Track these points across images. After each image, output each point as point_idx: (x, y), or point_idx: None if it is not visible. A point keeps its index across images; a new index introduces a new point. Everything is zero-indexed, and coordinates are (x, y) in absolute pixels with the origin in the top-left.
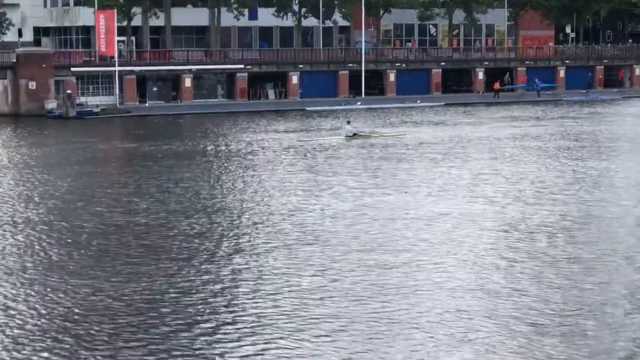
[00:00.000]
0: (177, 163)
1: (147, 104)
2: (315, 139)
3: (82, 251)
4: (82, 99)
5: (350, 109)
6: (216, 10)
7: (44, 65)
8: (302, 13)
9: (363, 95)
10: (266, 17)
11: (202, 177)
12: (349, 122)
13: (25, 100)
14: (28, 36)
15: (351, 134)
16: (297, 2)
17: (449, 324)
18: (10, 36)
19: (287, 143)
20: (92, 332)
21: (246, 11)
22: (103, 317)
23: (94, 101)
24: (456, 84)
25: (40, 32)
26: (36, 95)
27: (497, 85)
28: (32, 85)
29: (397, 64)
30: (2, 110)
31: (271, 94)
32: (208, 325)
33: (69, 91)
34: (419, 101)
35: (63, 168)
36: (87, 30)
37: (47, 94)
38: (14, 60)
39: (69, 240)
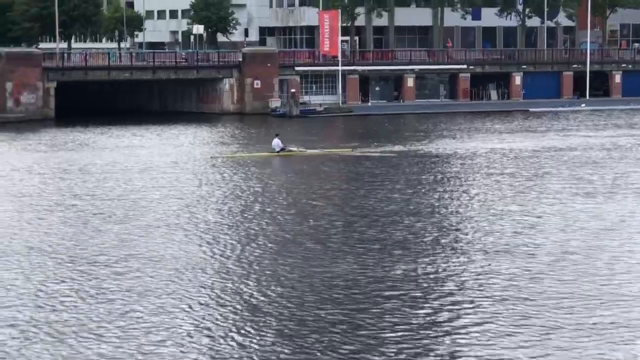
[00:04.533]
0: (396, 163)
1: (369, 104)
2: (240, 154)
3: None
4: (306, 98)
5: (574, 110)
6: (439, 9)
7: (268, 65)
8: (526, 13)
9: (587, 97)
10: (489, 17)
11: (417, 179)
12: (277, 135)
13: (250, 99)
14: (254, 36)
15: (278, 149)
16: (521, 2)
17: None
18: (237, 36)
19: (506, 145)
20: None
21: (470, 11)
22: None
23: (317, 100)
24: None
25: (265, 31)
26: (261, 94)
27: None
28: (257, 84)
29: (623, 65)
30: (228, 108)
31: (494, 94)
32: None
33: (292, 90)
34: None
35: (283, 165)
36: (311, 30)
37: (271, 92)
38: (240, 60)
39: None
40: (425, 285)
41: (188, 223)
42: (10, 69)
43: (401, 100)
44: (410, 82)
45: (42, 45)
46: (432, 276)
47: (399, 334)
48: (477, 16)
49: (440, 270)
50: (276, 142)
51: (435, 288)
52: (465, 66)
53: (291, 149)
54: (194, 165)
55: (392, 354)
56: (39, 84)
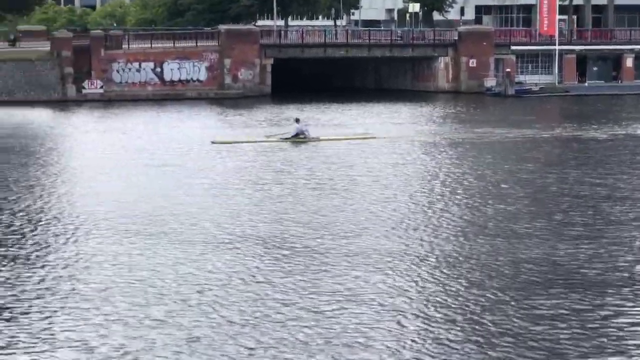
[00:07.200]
0: (604, 146)
1: (586, 84)
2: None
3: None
4: (521, 77)
5: None
6: None
7: (484, 44)
8: None
9: None
10: None
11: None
12: (297, 120)
13: (465, 78)
14: (470, 14)
15: (293, 134)
16: None
17: None
18: (453, 14)
19: None
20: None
21: None
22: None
23: (533, 80)
24: None
25: (482, 10)
26: (476, 72)
27: None
28: (473, 63)
29: None
30: (443, 87)
31: None
32: None
33: (508, 69)
34: None
35: (473, 147)
36: (528, 9)
37: (486, 71)
38: (456, 38)
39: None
40: (615, 272)
41: (376, 204)
42: (229, 45)
43: (619, 81)
44: (629, 62)
45: (259, 22)
46: (621, 263)
47: (587, 321)
48: None
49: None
50: (295, 127)
51: (625, 277)
52: None
53: (306, 134)
54: (391, 143)
55: (581, 345)
56: (256, 60)
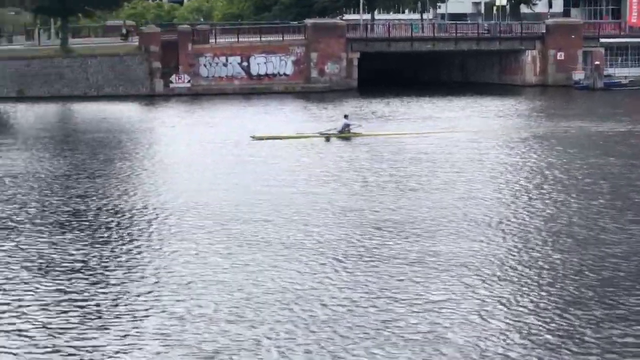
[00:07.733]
0: None
1: None
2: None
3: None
4: (610, 70)
5: None
6: None
7: (572, 36)
8: None
9: None
10: None
11: None
12: (346, 116)
13: (552, 71)
14: (558, 7)
15: (339, 130)
16: None
17: None
18: (541, 7)
19: None
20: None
21: None
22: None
23: (622, 72)
24: None
25: (569, 2)
26: (564, 65)
27: None
28: (560, 56)
29: None
30: (530, 80)
31: None
32: None
33: (597, 62)
34: None
35: (587, 141)
36: (618, 1)
37: (574, 64)
38: (543, 31)
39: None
40: None
41: (458, 199)
42: (315, 39)
43: None
44: None
45: (345, 16)
46: None
47: None
48: None
49: None
50: (343, 123)
51: None
52: None
53: (349, 129)
54: (474, 137)
55: None
56: (342, 54)
